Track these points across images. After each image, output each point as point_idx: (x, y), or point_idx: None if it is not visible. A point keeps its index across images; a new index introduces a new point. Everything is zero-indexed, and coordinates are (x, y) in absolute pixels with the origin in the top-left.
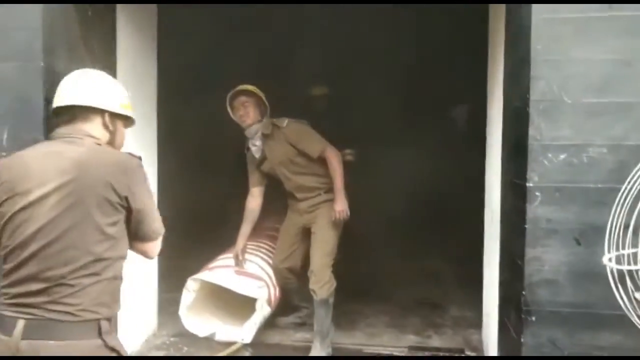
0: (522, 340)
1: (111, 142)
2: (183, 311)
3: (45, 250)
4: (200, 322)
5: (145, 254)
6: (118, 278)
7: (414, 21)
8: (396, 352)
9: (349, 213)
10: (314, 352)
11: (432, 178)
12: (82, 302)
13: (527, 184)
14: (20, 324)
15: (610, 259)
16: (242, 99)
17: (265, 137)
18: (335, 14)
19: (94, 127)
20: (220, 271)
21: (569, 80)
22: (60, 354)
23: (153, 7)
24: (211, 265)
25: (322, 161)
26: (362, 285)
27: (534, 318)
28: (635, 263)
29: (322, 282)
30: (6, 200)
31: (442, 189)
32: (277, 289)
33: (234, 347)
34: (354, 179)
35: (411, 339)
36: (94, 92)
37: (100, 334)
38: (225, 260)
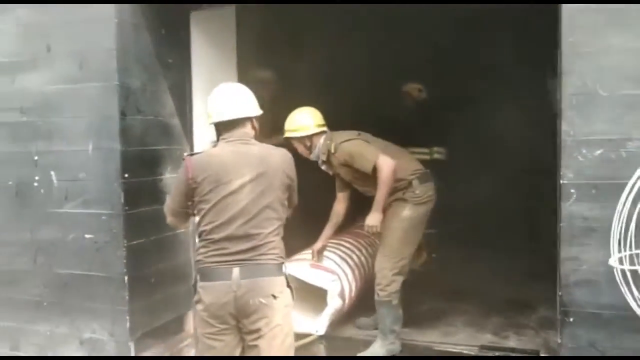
0: (559, 341)
1: (254, 136)
2: None
3: (250, 222)
4: None
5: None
6: None
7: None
8: (465, 351)
9: (379, 230)
10: (371, 349)
11: (529, 173)
12: (278, 252)
13: (562, 181)
14: (236, 270)
15: (616, 260)
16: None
17: (325, 162)
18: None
19: (248, 129)
20: (296, 263)
21: (604, 72)
22: (269, 286)
23: (231, 16)
24: (290, 258)
25: None
26: (451, 283)
27: (572, 319)
28: None
29: (382, 285)
30: (212, 189)
31: (540, 183)
32: (354, 286)
33: (308, 339)
34: (444, 176)
35: (487, 339)
36: (246, 103)
37: (283, 272)
38: (304, 254)
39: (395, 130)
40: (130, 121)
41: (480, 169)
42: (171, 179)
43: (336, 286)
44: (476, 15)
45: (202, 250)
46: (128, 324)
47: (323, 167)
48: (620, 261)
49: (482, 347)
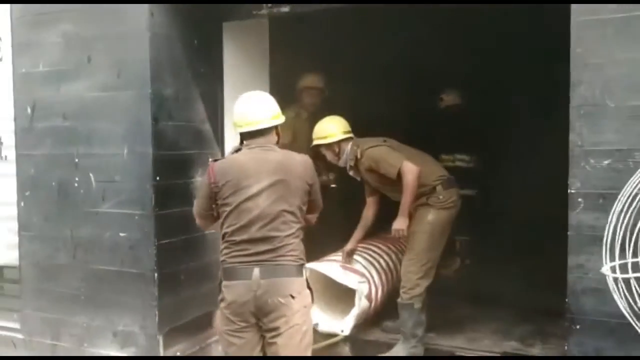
0: (566, 348)
1: (277, 142)
2: None
3: (268, 225)
4: None
5: (311, 221)
6: None
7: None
8: (485, 355)
9: (405, 233)
10: (393, 350)
11: (562, 180)
12: (297, 254)
13: (570, 190)
14: (257, 270)
15: (609, 269)
16: (319, 151)
17: (353, 167)
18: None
19: (272, 136)
20: (328, 263)
21: (612, 83)
22: (287, 286)
23: (264, 26)
24: (322, 259)
25: None
26: (483, 290)
27: (578, 327)
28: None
29: (405, 288)
30: (233, 193)
31: None
32: (381, 290)
33: (334, 339)
34: (476, 185)
35: (512, 346)
36: (270, 113)
37: (303, 273)
38: (336, 256)
39: (426, 137)
40: (163, 127)
41: (516, 176)
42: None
43: (364, 287)
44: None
45: (225, 251)
46: (157, 319)
47: (351, 173)
48: (614, 269)
49: (504, 354)
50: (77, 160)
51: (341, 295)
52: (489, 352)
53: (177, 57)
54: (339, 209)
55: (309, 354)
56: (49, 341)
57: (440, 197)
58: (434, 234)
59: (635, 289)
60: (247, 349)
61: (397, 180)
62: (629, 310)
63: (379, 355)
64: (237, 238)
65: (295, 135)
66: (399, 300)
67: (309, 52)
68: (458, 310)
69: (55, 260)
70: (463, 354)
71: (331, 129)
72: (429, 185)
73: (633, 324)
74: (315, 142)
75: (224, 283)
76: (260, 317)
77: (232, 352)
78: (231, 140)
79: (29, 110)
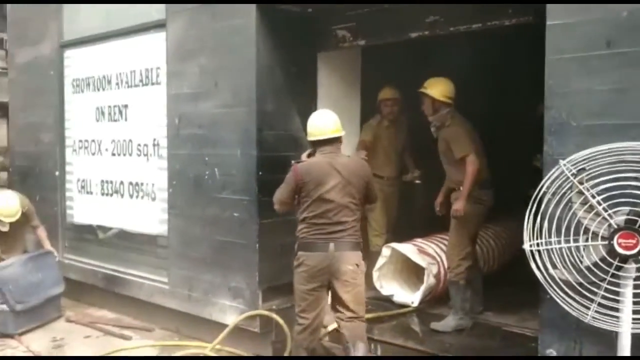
0: (539, 312)
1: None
2: (375, 272)
3: (340, 213)
4: (386, 284)
5: (372, 209)
6: None
7: None
8: (527, 332)
9: (462, 214)
10: (444, 322)
11: None
12: (359, 234)
13: (543, 189)
14: (332, 244)
15: (532, 245)
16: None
17: (437, 128)
18: None
19: (337, 144)
20: (407, 245)
21: (574, 107)
22: (352, 257)
23: (357, 54)
24: (407, 241)
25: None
26: None
27: (548, 296)
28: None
29: (451, 267)
30: (314, 188)
31: None
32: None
33: (405, 309)
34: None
35: None
36: (333, 127)
37: (361, 249)
38: (415, 241)
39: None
40: (265, 135)
41: None
42: None
43: (433, 268)
44: None
45: (305, 229)
46: (257, 279)
47: (432, 129)
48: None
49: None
50: (206, 158)
51: (419, 274)
52: (531, 329)
53: (278, 81)
54: (422, 200)
55: (363, 303)
56: (186, 292)
57: (474, 193)
58: (467, 222)
59: (550, 259)
60: (316, 304)
61: (454, 161)
62: (546, 276)
63: (432, 324)
64: (318, 221)
65: (378, 140)
66: (448, 278)
67: (397, 73)
68: (524, 296)
69: (191, 232)
70: (507, 329)
71: (437, 87)
72: None
73: (547, 287)
74: (421, 89)
75: (304, 253)
76: (332, 279)
77: (304, 305)
78: None
79: (176, 121)
